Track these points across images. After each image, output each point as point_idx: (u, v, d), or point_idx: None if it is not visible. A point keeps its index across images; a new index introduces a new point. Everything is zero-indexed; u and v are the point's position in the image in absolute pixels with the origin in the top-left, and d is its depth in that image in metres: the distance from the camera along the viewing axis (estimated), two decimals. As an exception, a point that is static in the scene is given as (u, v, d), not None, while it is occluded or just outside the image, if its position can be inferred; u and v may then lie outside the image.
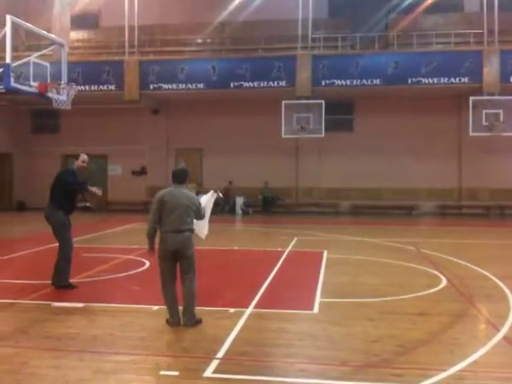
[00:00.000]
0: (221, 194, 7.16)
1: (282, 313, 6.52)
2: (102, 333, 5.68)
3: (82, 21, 23.59)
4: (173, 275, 5.87)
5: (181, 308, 5.91)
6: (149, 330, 5.77)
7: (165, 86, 20.66)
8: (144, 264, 9.66)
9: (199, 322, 5.88)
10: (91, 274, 8.82)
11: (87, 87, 20.77)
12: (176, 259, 5.83)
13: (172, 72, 20.65)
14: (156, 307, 6.59)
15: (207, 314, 6.23)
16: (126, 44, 21.29)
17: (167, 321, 5.91)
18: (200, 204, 6.08)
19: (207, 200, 6.58)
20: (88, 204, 8.22)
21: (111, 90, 20.98)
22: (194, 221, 6.04)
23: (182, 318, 5.85)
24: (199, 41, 23.40)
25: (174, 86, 20.62)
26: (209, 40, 23.40)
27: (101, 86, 21.01)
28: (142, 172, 23.59)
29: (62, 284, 7.61)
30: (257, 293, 7.41)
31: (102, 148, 22.85)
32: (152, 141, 23.15)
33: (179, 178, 5.96)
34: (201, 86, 20.49)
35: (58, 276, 7.61)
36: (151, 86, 20.76)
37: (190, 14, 22.70)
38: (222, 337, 5.44)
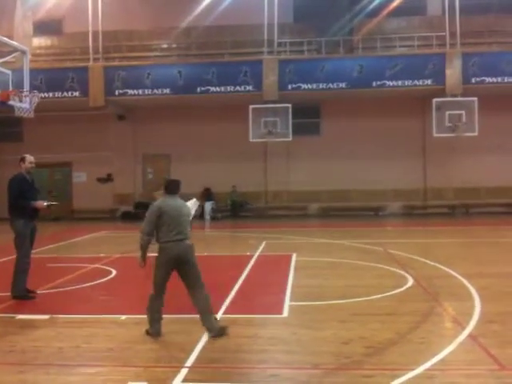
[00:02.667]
0: (198, 203, 7.27)
1: (252, 318, 6.49)
2: (69, 345, 5.55)
3: (45, 27, 23.18)
4: (165, 286, 5.80)
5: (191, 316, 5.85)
6: (116, 341, 5.66)
7: (130, 91, 20.47)
8: (111, 273, 9.51)
9: (223, 330, 5.69)
10: (56, 284, 8.63)
11: (51, 94, 20.42)
12: (176, 268, 5.77)
13: (138, 78, 20.47)
14: (124, 316, 6.49)
15: (176, 322, 6.17)
16: (91, 50, 21.03)
17: (147, 331, 5.78)
18: (191, 211, 6.25)
19: (191, 207, 6.70)
20: (52, 202, 8.02)
21: (76, 96, 20.68)
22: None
23: (207, 330, 5.69)
24: (165, 46, 23.26)
25: (140, 91, 20.45)
26: (174, 45, 23.30)
27: (65, 93, 20.68)
28: (108, 179, 23.27)
29: (16, 294, 7.44)
30: (226, 299, 7.37)
31: (67, 155, 22.49)
32: (118, 147, 22.88)
33: (173, 188, 5.96)
34: (167, 91, 20.37)
35: (13, 286, 7.45)
36: (116, 92, 20.54)
37: (155, 19, 22.57)
38: (192, 344, 5.38)
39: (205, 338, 5.63)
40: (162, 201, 5.86)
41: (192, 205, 6.78)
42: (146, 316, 5.83)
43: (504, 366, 4.72)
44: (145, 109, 22.37)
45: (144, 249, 5.82)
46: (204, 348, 5.33)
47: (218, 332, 5.63)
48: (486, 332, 5.73)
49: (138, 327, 6.08)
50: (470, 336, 5.60)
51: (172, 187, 5.95)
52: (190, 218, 6.09)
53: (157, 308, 5.78)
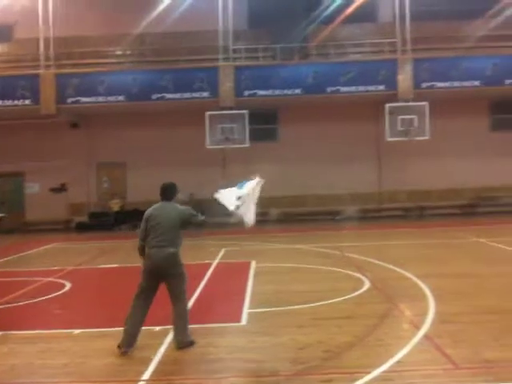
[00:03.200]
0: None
1: (210, 327, 6.44)
2: (22, 362, 5.39)
3: (-6, 33, 22.54)
4: (147, 297, 5.61)
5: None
6: (71, 356, 5.52)
7: (83, 99, 20.06)
8: (65, 286, 9.26)
9: (191, 343, 5.57)
10: (8, 299, 8.35)
11: (1, 102, 19.84)
12: (159, 279, 5.60)
13: (91, 85, 20.10)
14: (78, 331, 6.33)
15: (133, 334, 6.04)
16: (42, 57, 20.53)
17: (118, 346, 5.50)
18: (193, 212, 5.95)
19: (252, 187, 6.39)
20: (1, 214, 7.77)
21: (27, 104, 20.12)
22: (236, 203, 6.04)
23: (174, 340, 5.60)
24: (119, 52, 22.93)
25: (94, 99, 20.07)
26: (128, 51, 22.99)
27: (16, 101, 20.11)
28: (62, 189, 22.70)
29: None
30: (184, 308, 7.28)
31: (19, 165, 21.82)
32: (72, 156, 22.35)
33: (166, 194, 5.85)
34: (121, 98, 20.07)
35: None
36: (69, 100, 20.10)
37: (108, 26, 22.19)
38: (148, 357, 5.29)
39: (162, 350, 5.55)
40: (154, 206, 5.84)
41: (253, 183, 6.42)
42: (103, 329, 5.72)
43: (458, 365, 4.84)
44: (99, 116, 21.97)
45: (140, 254, 5.77)
46: (162, 360, 5.25)
47: (185, 345, 5.52)
48: (440, 332, 5.86)
49: (93, 341, 5.94)
50: (426, 336, 5.71)
51: (165, 193, 5.84)
52: (198, 216, 5.94)
53: (131, 321, 5.55)
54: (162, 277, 5.60)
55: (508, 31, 21.37)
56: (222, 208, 6.11)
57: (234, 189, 6.36)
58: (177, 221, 5.71)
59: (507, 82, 19.95)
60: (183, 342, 5.52)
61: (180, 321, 5.59)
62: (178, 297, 5.62)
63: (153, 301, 5.67)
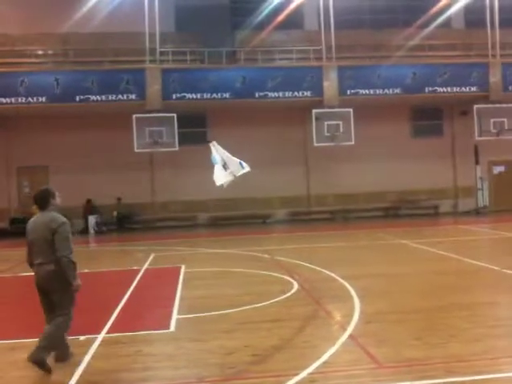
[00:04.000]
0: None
1: (137, 335, 6.28)
2: None
3: None
4: (49, 313, 5.26)
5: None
6: (-11, 370, 5.22)
7: (2, 99, 19.12)
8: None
9: (45, 366, 4.97)
10: None
11: None
12: (48, 296, 5.23)
13: (10, 85, 19.17)
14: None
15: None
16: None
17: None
18: (61, 228, 5.10)
19: (218, 153, 6.72)
20: None
21: None
22: (229, 171, 5.99)
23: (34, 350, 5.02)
24: (40, 52, 22.05)
25: (13, 99, 19.16)
26: (51, 51, 22.16)
27: None
28: (-20, 194, 21.52)
29: None
30: (110, 316, 7.08)
31: None
32: (-10, 159, 21.26)
33: (39, 202, 5.26)
34: (43, 99, 19.29)
35: None
36: (-14, 100, 19.10)
37: (29, 24, 21.27)
38: (72, 368, 5.08)
39: (86, 359, 5.36)
40: (31, 219, 5.36)
41: (214, 151, 6.82)
42: (20, 340, 5.42)
43: (381, 364, 4.98)
44: (19, 118, 20.99)
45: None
46: (85, 370, 5.07)
47: (34, 360, 4.95)
48: (364, 332, 6.02)
49: (12, 353, 5.65)
50: (351, 337, 5.85)
51: (38, 201, 5.24)
52: (63, 234, 5.11)
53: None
54: (46, 294, 5.24)
55: (427, 41, 22.49)
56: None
57: (216, 167, 6.88)
58: (48, 236, 5.10)
59: (427, 89, 20.92)
60: (39, 358, 4.95)
61: (42, 340, 5.07)
62: (60, 314, 5.21)
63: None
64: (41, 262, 5.15)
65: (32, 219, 5.36)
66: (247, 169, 7.39)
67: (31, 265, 5.32)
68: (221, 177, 7.43)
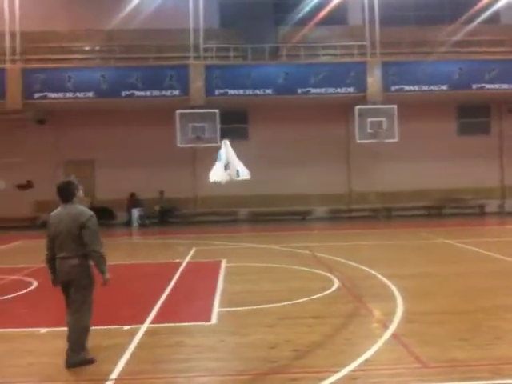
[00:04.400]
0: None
1: (179, 326, 6.38)
2: (-14, 362, 5.24)
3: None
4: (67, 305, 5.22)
5: None
6: (37, 355, 5.39)
7: (51, 94, 19.69)
8: (31, 284, 9.07)
9: (85, 362, 5.00)
10: (-29, 298, 8.12)
11: (-34, 97, 19.39)
12: (68, 290, 5.11)
13: (58, 80, 19.74)
14: (44, 330, 6.19)
15: (100, 334, 5.94)
16: (7, 51, 20.05)
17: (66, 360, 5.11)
18: (90, 222, 5.04)
19: (226, 151, 6.86)
20: None
21: (-9, 99, 19.65)
22: (227, 173, 6.00)
23: (67, 357, 5.04)
24: (87, 48, 22.57)
25: (61, 94, 19.71)
26: (97, 48, 22.66)
27: (-20, 96, 19.60)
28: (28, 186, 22.22)
29: None
30: (153, 308, 7.20)
31: (-17, 162, 21.28)
32: (38, 152, 21.90)
33: (62, 194, 5.09)
34: (90, 94, 19.77)
35: None
36: (36, 95, 19.69)
37: (77, 21, 21.83)
38: (116, 356, 5.20)
39: (130, 349, 5.47)
40: (54, 212, 5.17)
41: (224, 149, 6.97)
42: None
43: (425, 364, 4.90)
44: (67, 113, 21.57)
45: (47, 266, 5.20)
46: (129, 360, 5.17)
47: (72, 365, 4.98)
48: (407, 331, 5.93)
49: (59, 341, 5.80)
50: (393, 335, 5.77)
51: (61, 193, 5.09)
52: (92, 228, 5.02)
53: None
54: (66, 289, 5.11)
55: (474, 37, 21.86)
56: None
57: (218, 164, 6.91)
58: (73, 229, 4.97)
59: (474, 86, 20.39)
60: (74, 362, 4.97)
61: (70, 335, 5.08)
62: (72, 310, 5.08)
63: None
64: (64, 256, 4.98)
65: (54, 212, 5.16)
66: (245, 177, 7.41)
67: (51, 259, 5.14)
68: (218, 174, 7.55)
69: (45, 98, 19.75)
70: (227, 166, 7.18)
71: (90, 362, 5.05)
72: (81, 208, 5.13)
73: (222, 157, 7.18)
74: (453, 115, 23.06)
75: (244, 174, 7.28)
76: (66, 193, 5.10)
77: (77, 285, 5.02)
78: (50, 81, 19.72)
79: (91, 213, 5.11)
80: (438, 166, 22.08)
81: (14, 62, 20.18)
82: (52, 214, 5.19)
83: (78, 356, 5.00)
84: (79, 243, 4.97)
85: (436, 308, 7.00)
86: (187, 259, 11.85)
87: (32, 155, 21.84)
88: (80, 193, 5.22)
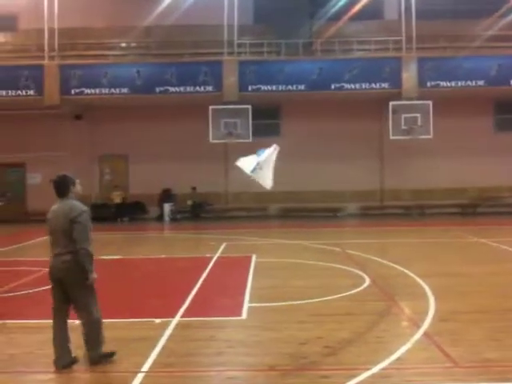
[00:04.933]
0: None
1: (210, 320, 6.45)
2: (21, 351, 5.40)
3: (-1, 23, 22.49)
4: (60, 305, 5.01)
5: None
6: (73, 347, 5.50)
7: (87, 90, 20.03)
8: (67, 276, 9.27)
9: (104, 356, 5.00)
10: (9, 288, 8.38)
11: (4, 93, 19.88)
12: (63, 288, 4.95)
13: (95, 76, 20.07)
14: (78, 321, 6.32)
15: (132, 326, 6.07)
16: (46, 48, 20.47)
17: (53, 361, 4.96)
18: (81, 217, 4.90)
19: (269, 154, 7.03)
20: None
21: (30, 95, 20.11)
22: (257, 170, 6.15)
23: (86, 355, 5.01)
24: (123, 45, 22.88)
25: (97, 90, 20.03)
26: (133, 44, 22.95)
27: (19, 92, 20.10)
28: (64, 180, 22.66)
29: None
30: (184, 301, 7.29)
31: (20, 156, 21.81)
32: (74, 147, 22.33)
33: (58, 189, 5.00)
34: (125, 90, 20.04)
35: None
36: (73, 91, 20.08)
37: (113, 18, 22.16)
38: (148, 349, 5.29)
39: (162, 341, 5.56)
40: (52, 207, 5.08)
41: (270, 150, 7.04)
42: (103, 320, 5.62)
43: (457, 364, 4.84)
44: (102, 108, 21.93)
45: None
46: (160, 352, 5.25)
47: (97, 360, 4.96)
48: (440, 330, 5.86)
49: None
50: (425, 334, 5.72)
51: (56, 189, 4.99)
52: (82, 224, 4.89)
53: (54, 333, 5.00)
54: (64, 287, 4.93)
55: (512, 31, 21.31)
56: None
57: (253, 156, 7.00)
58: (66, 225, 4.86)
59: (512, 82, 19.89)
60: (94, 358, 4.95)
61: (86, 333, 5.01)
62: (79, 310, 4.97)
63: (68, 316, 5.08)
64: (58, 253, 4.90)
65: (53, 208, 5.07)
66: (265, 185, 7.42)
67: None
68: (246, 164, 7.52)
69: (81, 93, 20.12)
70: (259, 165, 7.15)
71: (111, 355, 5.04)
72: (74, 203, 4.99)
73: (262, 156, 7.17)
74: (490, 111, 22.53)
75: (265, 179, 7.25)
76: (61, 188, 5.01)
77: (71, 283, 4.88)
78: (86, 77, 20.07)
79: (84, 208, 4.99)
80: (473, 163, 21.63)
81: (52, 58, 20.60)
82: (51, 209, 5.10)
83: (96, 352, 4.98)
84: (71, 239, 4.85)
85: (469, 307, 6.90)
86: (218, 254, 11.93)
87: (68, 150, 22.30)
88: (77, 188, 5.15)
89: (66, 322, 5.05)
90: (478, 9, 22.47)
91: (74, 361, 5.00)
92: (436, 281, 8.43)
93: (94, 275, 5.00)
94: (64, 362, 4.91)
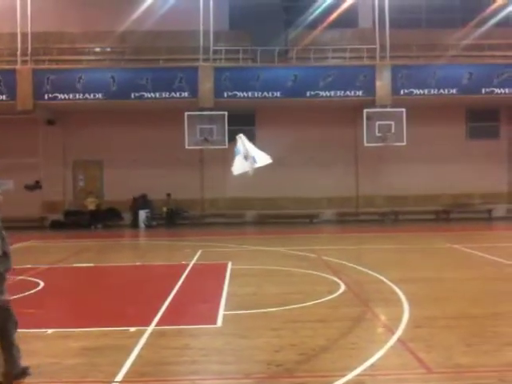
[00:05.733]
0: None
1: (185, 329, 6.40)
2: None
3: (-31, 26, 22.05)
4: None
5: None
6: (43, 356, 5.41)
7: (61, 95, 19.79)
8: (38, 285, 9.11)
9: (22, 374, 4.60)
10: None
11: (-24, 97, 19.55)
12: None
13: (69, 81, 19.83)
14: (50, 331, 6.22)
15: (106, 335, 5.98)
16: (19, 52, 20.17)
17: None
18: None
19: (243, 144, 7.37)
20: None
21: (2, 99, 19.78)
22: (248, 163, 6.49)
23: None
24: (97, 50, 22.69)
25: (71, 95, 19.80)
26: (108, 49, 22.77)
27: (-9, 96, 19.75)
28: (37, 186, 22.34)
29: None
30: (159, 309, 7.22)
31: (-8, 161, 21.43)
32: (47, 153, 22.05)
33: None
34: (99, 96, 19.84)
35: None
36: (46, 96, 19.81)
37: (87, 23, 21.94)
38: (122, 358, 5.22)
39: (136, 350, 5.49)
40: None
41: (241, 144, 7.36)
42: (76, 329, 5.55)
43: (431, 370, 4.89)
44: (76, 113, 21.70)
45: None
46: (135, 361, 5.19)
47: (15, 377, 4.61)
48: (414, 336, 5.91)
49: (66, 341, 5.85)
50: (399, 341, 5.76)
51: None
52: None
53: None
54: None
55: (484, 41, 21.77)
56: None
57: (237, 157, 7.39)
58: None
59: (484, 90, 20.29)
60: (12, 374, 4.58)
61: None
62: None
63: None
64: None
65: None
66: (266, 161, 7.86)
67: None
68: (240, 166, 7.93)
69: (55, 98, 19.85)
70: (247, 157, 7.49)
71: (26, 372, 4.66)
72: None
73: (240, 149, 7.56)
74: (462, 119, 22.97)
75: (261, 159, 7.60)
76: None
77: None
78: (60, 82, 19.83)
79: None
80: (446, 170, 22.00)
81: (25, 62, 20.29)
82: None
83: (18, 369, 4.62)
84: None
85: (442, 313, 6.97)
86: (193, 261, 11.86)
87: (41, 156, 22.00)
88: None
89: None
90: (451, 18, 22.97)
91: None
92: (410, 287, 8.51)
93: (4, 297, 4.54)
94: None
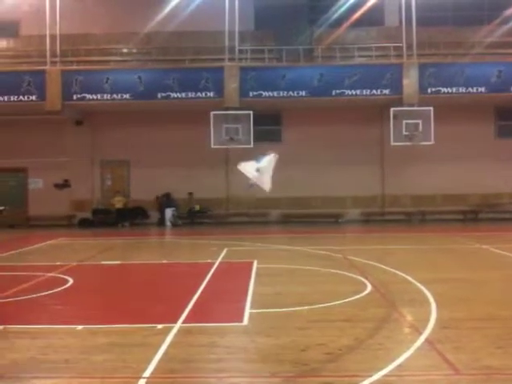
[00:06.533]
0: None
1: (211, 326, 6.44)
2: (23, 356, 5.38)
3: (0, 29, 22.56)
4: None
5: None
6: (73, 352, 5.51)
7: (89, 96, 20.11)
8: (67, 282, 9.28)
9: None
10: (10, 294, 8.36)
11: (6, 98, 19.93)
12: None
13: (96, 82, 20.14)
14: (80, 327, 6.33)
15: (134, 332, 6.06)
16: (48, 53, 20.54)
17: None
18: None
19: (268, 161, 7.59)
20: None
21: (32, 100, 20.18)
22: (255, 174, 6.69)
23: None
24: (124, 50, 22.98)
25: (99, 96, 20.10)
26: (135, 50, 23.04)
27: (21, 97, 20.16)
28: (65, 185, 22.75)
29: None
30: (186, 307, 7.28)
31: (22, 161, 21.87)
32: (76, 153, 22.42)
33: None
34: (127, 96, 20.10)
35: None
36: (74, 97, 20.14)
37: (115, 24, 22.27)
38: (150, 355, 5.28)
39: (163, 347, 5.55)
40: None
41: (270, 157, 7.58)
42: (104, 326, 5.63)
43: (459, 371, 4.83)
44: (103, 114, 22.01)
45: None
46: (162, 358, 5.24)
47: None
48: (441, 337, 5.85)
49: (95, 337, 5.95)
50: (427, 341, 5.70)
51: None
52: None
53: None
54: None
55: (512, 38, 21.37)
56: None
57: (253, 162, 7.57)
58: None
59: (513, 89, 19.92)
60: None
61: None
62: None
63: None
64: None
65: None
66: (260, 184, 8.07)
67: None
68: (247, 169, 8.12)
69: (83, 99, 20.19)
70: (259, 170, 7.61)
71: None
72: None
73: (262, 162, 7.74)
74: (490, 118, 22.58)
75: (264, 183, 7.78)
76: None
77: None
78: (88, 82, 20.15)
79: None
80: (474, 170, 21.66)
81: (54, 64, 20.66)
82: None
83: None
84: None
85: (471, 314, 6.88)
86: (219, 260, 11.93)
87: (70, 155, 22.38)
88: None
89: None
90: (478, 15, 22.60)
91: None
92: (438, 287, 8.42)
93: None
94: None
